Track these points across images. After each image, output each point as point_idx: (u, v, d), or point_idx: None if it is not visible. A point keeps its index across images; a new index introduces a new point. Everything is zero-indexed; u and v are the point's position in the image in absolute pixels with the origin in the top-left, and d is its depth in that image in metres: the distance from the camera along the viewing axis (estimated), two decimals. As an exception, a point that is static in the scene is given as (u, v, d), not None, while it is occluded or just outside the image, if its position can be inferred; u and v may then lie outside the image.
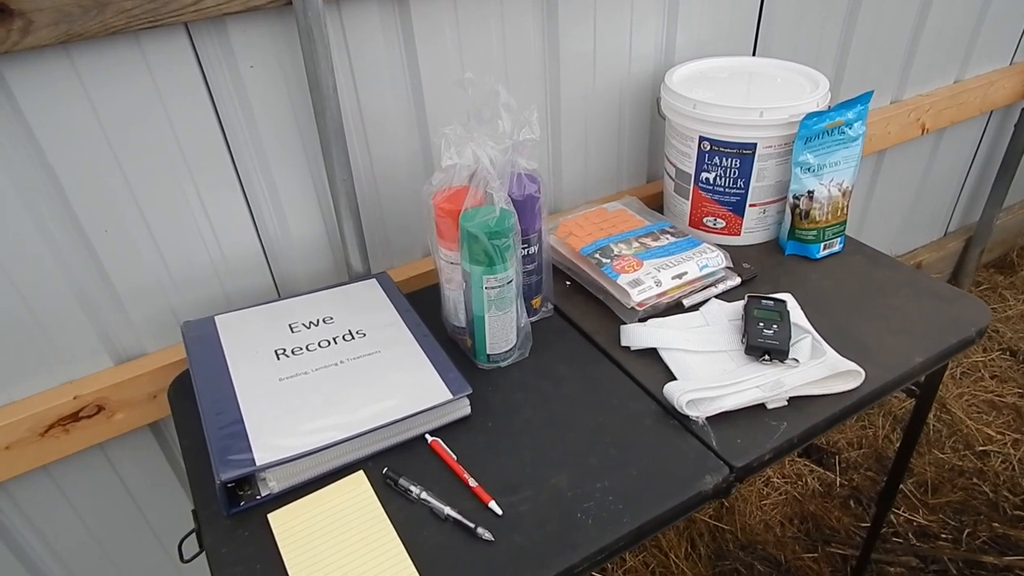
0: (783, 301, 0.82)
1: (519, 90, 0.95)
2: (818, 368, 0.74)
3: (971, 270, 1.91)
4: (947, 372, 1.65)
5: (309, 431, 0.65)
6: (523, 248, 0.80)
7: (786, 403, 0.73)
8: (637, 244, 0.92)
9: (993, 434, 1.51)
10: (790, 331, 0.78)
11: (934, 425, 1.52)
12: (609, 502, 0.63)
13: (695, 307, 0.87)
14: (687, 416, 0.71)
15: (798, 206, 0.93)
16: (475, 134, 0.72)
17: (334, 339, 0.77)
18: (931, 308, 0.86)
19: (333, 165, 0.82)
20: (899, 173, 1.57)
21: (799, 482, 1.39)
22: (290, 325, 0.79)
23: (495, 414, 0.74)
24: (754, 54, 1.16)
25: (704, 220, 1.00)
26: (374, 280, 0.88)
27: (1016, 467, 1.43)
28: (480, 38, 0.89)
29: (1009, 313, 1.84)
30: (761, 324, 0.78)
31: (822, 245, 0.95)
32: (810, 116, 0.87)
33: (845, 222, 0.96)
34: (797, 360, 0.76)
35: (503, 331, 0.77)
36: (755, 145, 0.91)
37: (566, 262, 0.94)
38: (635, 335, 0.81)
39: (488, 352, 0.79)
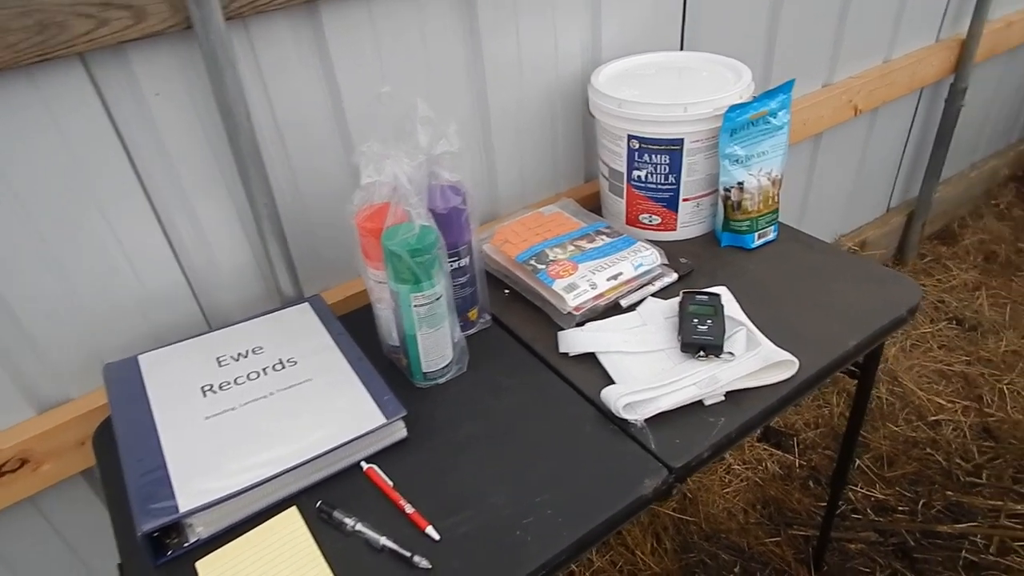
0: (717, 295, 0.82)
1: (445, 101, 0.94)
2: (753, 360, 0.75)
3: (915, 243, 1.95)
4: (897, 346, 1.69)
5: (237, 470, 0.63)
6: (452, 261, 0.79)
7: (723, 398, 0.73)
8: (572, 247, 0.91)
9: (944, 403, 1.54)
10: (724, 325, 0.78)
11: (887, 399, 1.55)
12: (548, 516, 0.63)
13: (633, 307, 0.86)
14: (625, 420, 0.71)
15: (729, 198, 0.94)
16: (391, 151, 0.71)
17: (263, 370, 0.75)
18: (864, 290, 0.87)
19: (252, 189, 0.79)
20: (837, 155, 1.60)
21: (759, 467, 1.41)
22: (218, 359, 0.77)
23: (434, 433, 0.73)
24: (682, 48, 1.16)
25: (640, 218, 1.00)
26: (307, 304, 0.86)
27: (967, 434, 1.46)
28: (401, 51, 0.87)
29: (953, 283, 1.89)
30: (695, 320, 0.78)
31: (756, 235, 0.96)
32: (733, 108, 0.87)
33: (777, 210, 0.97)
34: (732, 354, 0.76)
35: (437, 348, 0.76)
36: (682, 140, 0.91)
37: (503, 270, 0.93)
38: (572, 341, 0.80)
39: (424, 370, 0.77)
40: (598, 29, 1.04)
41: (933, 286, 1.88)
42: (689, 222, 0.99)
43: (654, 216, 0.98)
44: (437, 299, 0.73)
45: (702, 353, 0.76)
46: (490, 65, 0.96)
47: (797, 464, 1.41)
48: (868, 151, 1.68)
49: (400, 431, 0.71)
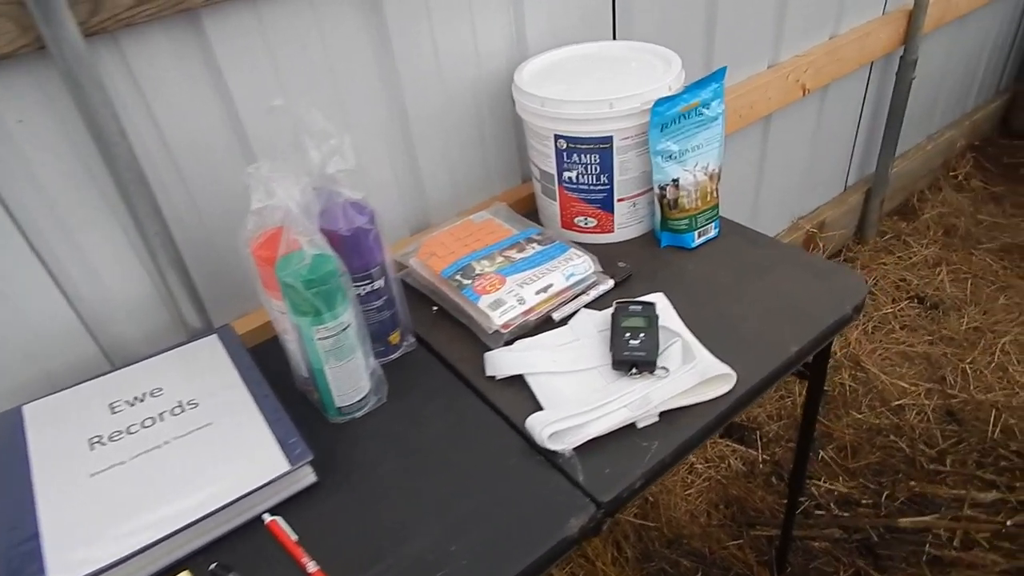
0: (651, 304, 0.77)
1: (356, 108, 0.87)
2: (688, 376, 0.70)
3: (874, 220, 1.92)
4: (859, 329, 1.66)
5: (120, 535, 0.57)
6: (363, 285, 0.73)
7: (657, 418, 0.69)
8: (501, 258, 0.85)
9: (907, 386, 1.52)
10: (658, 338, 0.73)
11: (850, 385, 1.53)
12: (464, 567, 0.57)
13: (566, 320, 0.81)
14: (552, 450, 0.66)
15: (665, 196, 0.88)
16: (279, 171, 0.64)
17: (160, 415, 0.69)
18: (809, 287, 0.83)
19: (140, 216, 0.73)
20: (789, 136, 1.56)
21: (722, 464, 1.37)
22: (111, 405, 0.70)
23: (349, 475, 0.67)
24: (614, 37, 1.11)
25: (576, 220, 0.94)
26: (215, 336, 0.79)
27: (931, 417, 1.44)
28: (298, 56, 0.80)
29: (914, 259, 1.86)
30: (628, 334, 0.73)
31: (696, 233, 0.91)
32: (661, 102, 0.82)
33: (717, 206, 0.92)
34: (667, 369, 0.71)
35: (350, 381, 0.70)
36: (611, 138, 0.85)
37: (430, 286, 0.87)
38: (498, 363, 0.75)
39: (337, 405, 0.71)
40: (522, 21, 0.98)
41: (894, 264, 1.86)
42: (627, 223, 0.94)
43: (589, 218, 0.93)
44: (344, 330, 0.67)
45: (635, 371, 0.71)
46: (404, 66, 0.89)
47: (760, 459, 1.37)
48: (821, 130, 1.64)
49: (308, 476, 0.66)
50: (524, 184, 1.11)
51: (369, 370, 0.72)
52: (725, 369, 0.70)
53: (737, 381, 0.71)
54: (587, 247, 0.91)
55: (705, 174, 0.88)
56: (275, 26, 0.77)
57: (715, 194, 0.91)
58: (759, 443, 1.40)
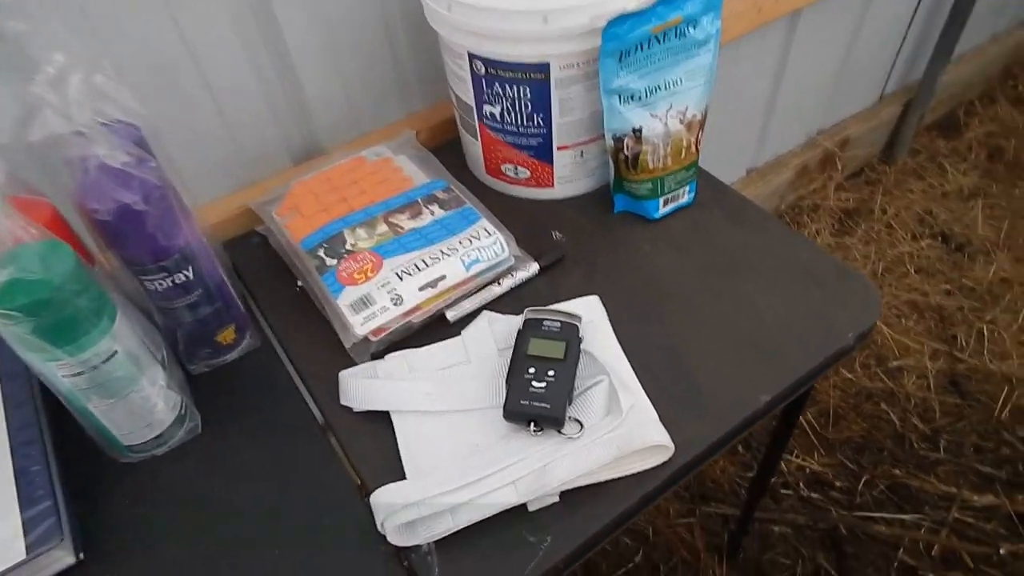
0: (574, 323, 0.55)
1: (196, 14, 0.60)
2: (605, 447, 0.50)
3: (908, 138, 1.63)
4: (867, 268, 1.44)
5: None
6: (157, 280, 0.51)
7: (557, 499, 0.50)
8: (384, 227, 0.62)
9: (911, 344, 1.32)
10: (573, 380, 0.52)
11: (846, 339, 1.33)
12: None
13: (466, 321, 0.60)
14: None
15: (621, 151, 0.64)
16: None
17: None
18: (799, 300, 0.61)
19: None
20: (821, 36, 1.24)
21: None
22: None
23: (127, 547, 0.49)
24: None
25: (503, 168, 0.70)
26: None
27: (931, 385, 1.25)
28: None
29: (947, 189, 1.59)
30: (532, 371, 0.52)
31: (661, 200, 0.67)
32: (619, 21, 0.55)
33: (695, 164, 0.67)
34: (580, 424, 0.51)
35: (132, 418, 0.51)
36: (547, 66, 0.59)
37: (291, 254, 0.65)
38: (355, 392, 0.55)
39: (125, 444, 0.52)
40: None
41: (922, 192, 1.59)
42: (571, 176, 0.69)
43: (521, 168, 0.69)
44: (107, 360, 0.46)
45: (534, 427, 0.51)
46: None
47: (728, 424, 1.21)
48: (863, 28, 1.31)
49: (62, 559, 0.48)
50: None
51: (170, 403, 0.52)
52: (659, 438, 0.50)
53: (676, 449, 0.51)
54: (518, 203, 0.68)
55: (681, 122, 0.63)
56: None
57: (694, 148, 0.65)
58: (730, 405, 1.23)
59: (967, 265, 1.45)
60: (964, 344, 1.31)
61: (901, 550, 1.01)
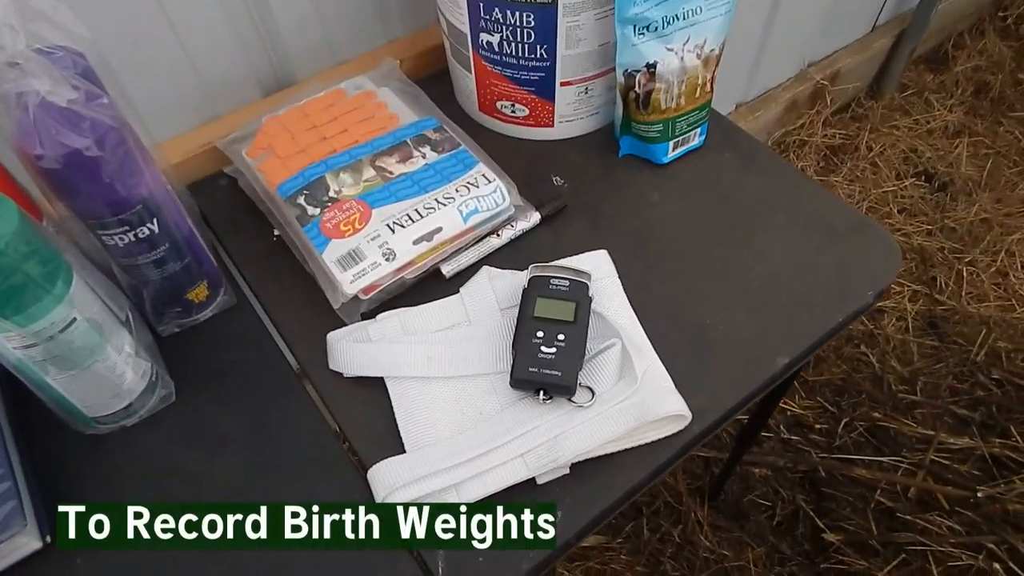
0: (583, 280, 0.51)
1: None
2: (619, 418, 0.46)
3: (898, 71, 1.58)
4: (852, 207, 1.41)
5: None
6: (118, 235, 0.45)
7: (567, 471, 0.47)
8: (372, 171, 0.56)
9: (892, 286, 1.32)
10: (584, 345, 0.48)
11: (828, 280, 1.32)
12: None
13: (464, 276, 0.55)
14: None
15: (633, 88, 0.58)
16: None
17: None
18: (817, 253, 0.57)
19: None
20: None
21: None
22: None
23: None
24: None
25: (498, 106, 0.64)
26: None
27: (910, 327, 1.26)
28: None
29: (932, 126, 1.57)
30: (541, 334, 0.48)
31: (671, 144, 0.62)
32: (643, -63, 0.48)
33: (708, 104, 0.62)
34: (592, 392, 0.48)
35: (97, 390, 0.45)
36: (555, -10, 0.52)
37: (266, 200, 0.59)
38: (345, 356, 0.50)
39: (90, 416, 0.47)
40: None
41: (908, 129, 1.56)
42: (573, 115, 0.64)
43: (519, 105, 0.63)
44: (65, 329, 0.40)
45: (544, 395, 0.47)
46: None
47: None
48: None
49: (27, 545, 0.43)
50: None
51: (139, 371, 0.47)
52: (676, 408, 0.47)
53: (693, 417, 0.48)
54: (514, 144, 0.63)
55: (699, 57, 0.57)
56: None
57: (709, 86, 0.60)
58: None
59: (949, 205, 1.44)
60: (943, 286, 1.32)
61: (878, 492, 1.03)
